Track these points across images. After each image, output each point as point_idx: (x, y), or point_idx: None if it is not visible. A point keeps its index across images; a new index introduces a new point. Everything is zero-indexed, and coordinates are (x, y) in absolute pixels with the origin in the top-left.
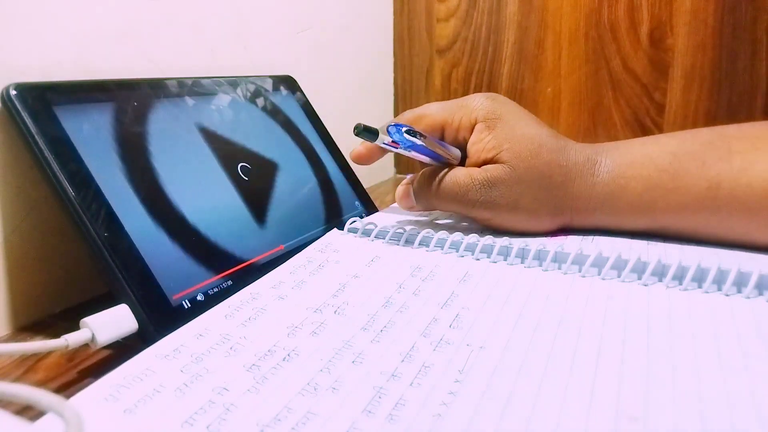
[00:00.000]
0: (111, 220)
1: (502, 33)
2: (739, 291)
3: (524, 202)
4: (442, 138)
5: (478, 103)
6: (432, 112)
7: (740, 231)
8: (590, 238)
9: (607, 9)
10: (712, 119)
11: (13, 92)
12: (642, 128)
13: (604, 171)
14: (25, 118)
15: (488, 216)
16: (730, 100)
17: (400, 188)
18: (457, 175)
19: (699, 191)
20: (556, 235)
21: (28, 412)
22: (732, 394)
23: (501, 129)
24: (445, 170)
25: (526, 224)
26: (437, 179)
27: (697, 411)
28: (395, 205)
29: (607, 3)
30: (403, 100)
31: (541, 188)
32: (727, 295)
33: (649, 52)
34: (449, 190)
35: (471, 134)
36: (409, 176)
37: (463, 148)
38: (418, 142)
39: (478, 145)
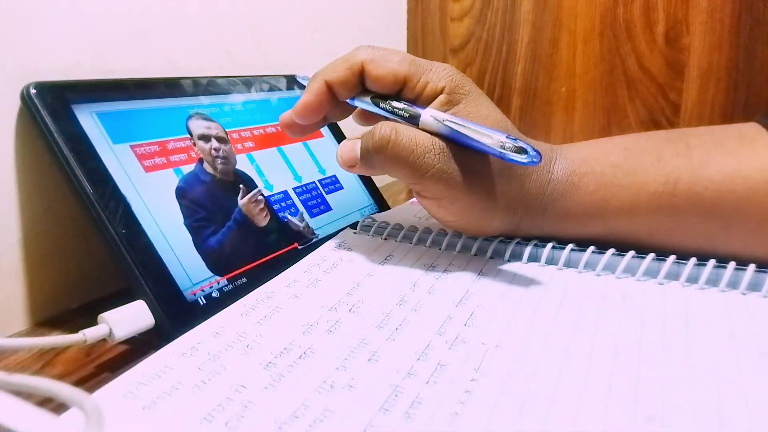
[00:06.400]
0: (128, 218)
1: (516, 32)
2: (756, 290)
3: (483, 186)
4: (398, 94)
5: (447, 72)
6: (396, 63)
7: (699, 235)
8: None
9: (623, 8)
10: (728, 119)
11: (32, 91)
12: (657, 128)
13: (558, 168)
14: (44, 116)
15: (439, 190)
16: (747, 99)
17: (346, 143)
18: (417, 134)
19: (655, 188)
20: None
21: (47, 404)
22: (750, 393)
23: (465, 105)
24: (406, 127)
25: (478, 213)
26: (392, 133)
27: (715, 410)
28: (408, 204)
29: (622, 2)
30: None
31: (501, 176)
32: (744, 294)
33: (664, 51)
34: (404, 147)
35: (431, 102)
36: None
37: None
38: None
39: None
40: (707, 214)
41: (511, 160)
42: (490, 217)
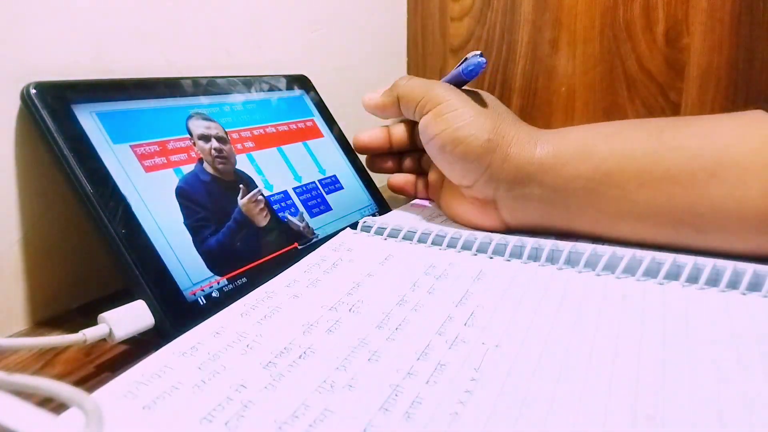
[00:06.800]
0: (128, 218)
1: (516, 32)
2: (756, 290)
3: (478, 103)
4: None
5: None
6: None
7: (687, 182)
8: None
9: (623, 8)
10: None
11: (32, 91)
12: None
13: (542, 133)
14: (44, 116)
15: (442, 96)
16: (747, 99)
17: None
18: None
19: (640, 136)
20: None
21: (47, 404)
22: (750, 393)
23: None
24: None
25: (469, 127)
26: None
27: (715, 410)
28: (408, 204)
29: (622, 2)
30: None
31: (494, 106)
32: (744, 294)
33: (664, 51)
34: (420, 78)
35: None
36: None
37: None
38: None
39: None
40: (692, 159)
41: (466, 66)
42: (481, 128)
